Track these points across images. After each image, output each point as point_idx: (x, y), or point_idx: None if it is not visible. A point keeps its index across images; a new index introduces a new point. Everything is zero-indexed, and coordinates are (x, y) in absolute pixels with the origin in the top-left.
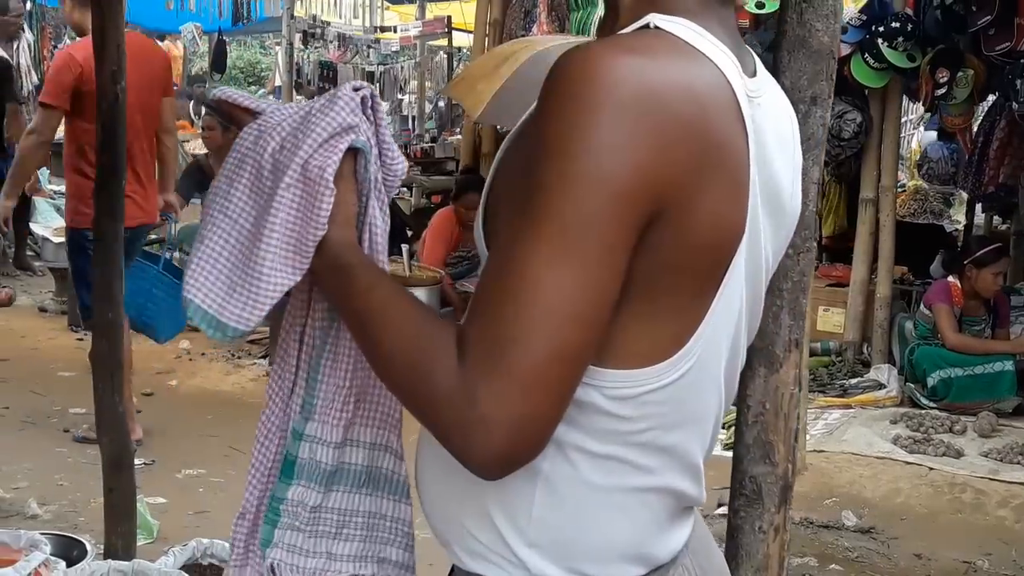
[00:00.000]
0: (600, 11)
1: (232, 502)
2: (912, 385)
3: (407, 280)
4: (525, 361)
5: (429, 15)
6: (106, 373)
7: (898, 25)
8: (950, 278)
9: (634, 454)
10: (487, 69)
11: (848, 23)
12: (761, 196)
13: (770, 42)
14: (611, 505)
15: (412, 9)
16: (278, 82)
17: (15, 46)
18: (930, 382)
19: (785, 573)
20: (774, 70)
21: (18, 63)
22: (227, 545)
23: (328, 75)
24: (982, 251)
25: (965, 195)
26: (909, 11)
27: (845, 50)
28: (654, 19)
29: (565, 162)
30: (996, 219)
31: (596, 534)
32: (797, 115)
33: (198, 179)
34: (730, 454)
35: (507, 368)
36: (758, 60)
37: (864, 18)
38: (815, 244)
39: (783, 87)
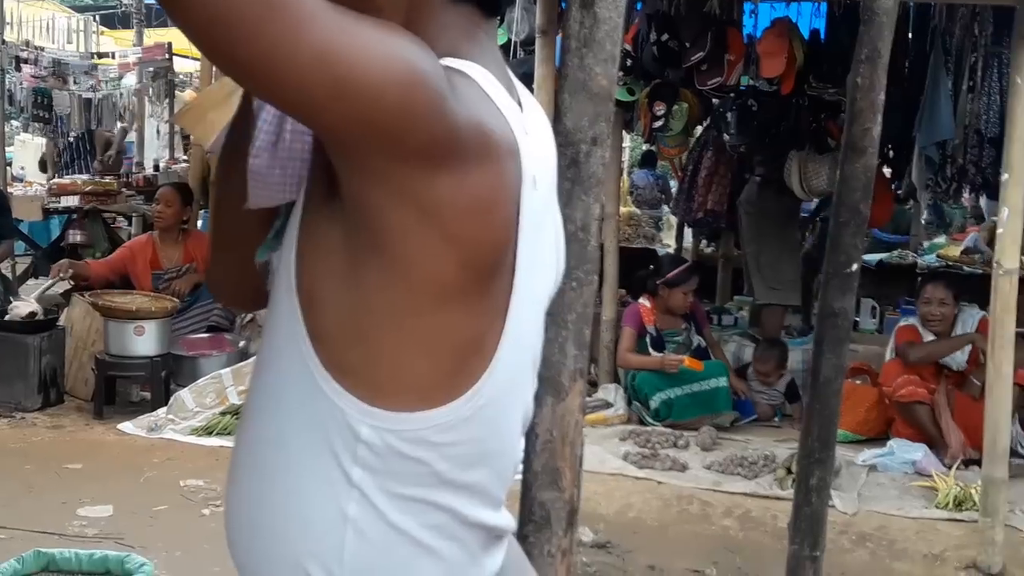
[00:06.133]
0: None
1: None
2: (638, 404)
3: (135, 312)
4: None
5: (148, 41)
6: None
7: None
8: (642, 299)
9: (435, 494)
10: (218, 98)
11: None
12: (542, 220)
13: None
14: (420, 545)
15: (130, 34)
16: None
17: None
18: (652, 404)
19: None
20: (556, 112)
21: None
22: None
23: (43, 102)
24: (672, 272)
25: (674, 220)
26: (628, 47)
27: None
28: (445, 62)
29: None
30: (703, 243)
31: (408, 574)
32: (579, 155)
33: None
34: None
35: None
36: (523, 91)
37: None
38: (597, 277)
39: (565, 128)
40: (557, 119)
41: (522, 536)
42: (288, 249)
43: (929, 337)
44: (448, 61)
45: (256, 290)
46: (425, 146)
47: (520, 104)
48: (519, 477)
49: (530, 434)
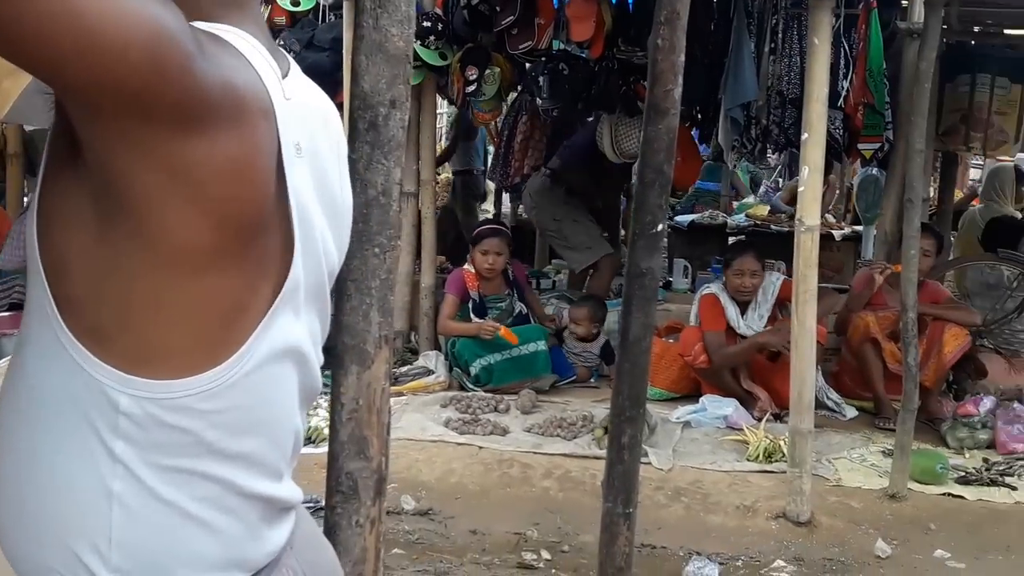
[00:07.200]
0: None
1: None
2: (459, 370)
3: None
4: None
5: None
6: None
7: (429, 24)
8: (467, 265)
9: (205, 465)
10: (11, 66)
11: None
12: (312, 191)
13: (308, 40)
14: (192, 518)
15: None
16: None
17: None
18: (473, 370)
19: (381, 564)
20: (353, 74)
21: None
22: None
23: None
24: (474, 233)
25: (492, 185)
26: (439, 11)
27: None
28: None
29: None
30: (520, 207)
31: (182, 549)
32: (377, 118)
33: None
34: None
35: None
36: (291, 60)
37: None
38: (399, 243)
39: (362, 91)
40: (355, 81)
41: (330, 507)
42: (31, 216)
43: (731, 307)
44: (203, 24)
45: None
46: (173, 106)
47: (287, 73)
48: (325, 449)
49: (336, 404)
